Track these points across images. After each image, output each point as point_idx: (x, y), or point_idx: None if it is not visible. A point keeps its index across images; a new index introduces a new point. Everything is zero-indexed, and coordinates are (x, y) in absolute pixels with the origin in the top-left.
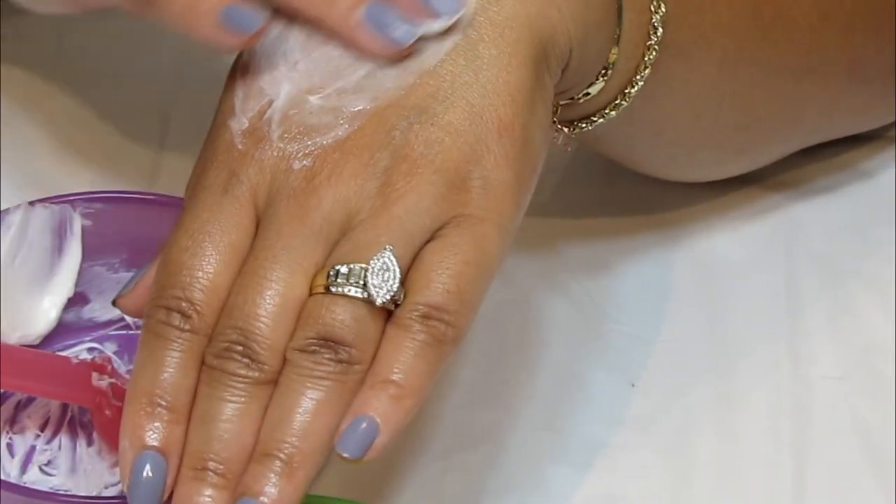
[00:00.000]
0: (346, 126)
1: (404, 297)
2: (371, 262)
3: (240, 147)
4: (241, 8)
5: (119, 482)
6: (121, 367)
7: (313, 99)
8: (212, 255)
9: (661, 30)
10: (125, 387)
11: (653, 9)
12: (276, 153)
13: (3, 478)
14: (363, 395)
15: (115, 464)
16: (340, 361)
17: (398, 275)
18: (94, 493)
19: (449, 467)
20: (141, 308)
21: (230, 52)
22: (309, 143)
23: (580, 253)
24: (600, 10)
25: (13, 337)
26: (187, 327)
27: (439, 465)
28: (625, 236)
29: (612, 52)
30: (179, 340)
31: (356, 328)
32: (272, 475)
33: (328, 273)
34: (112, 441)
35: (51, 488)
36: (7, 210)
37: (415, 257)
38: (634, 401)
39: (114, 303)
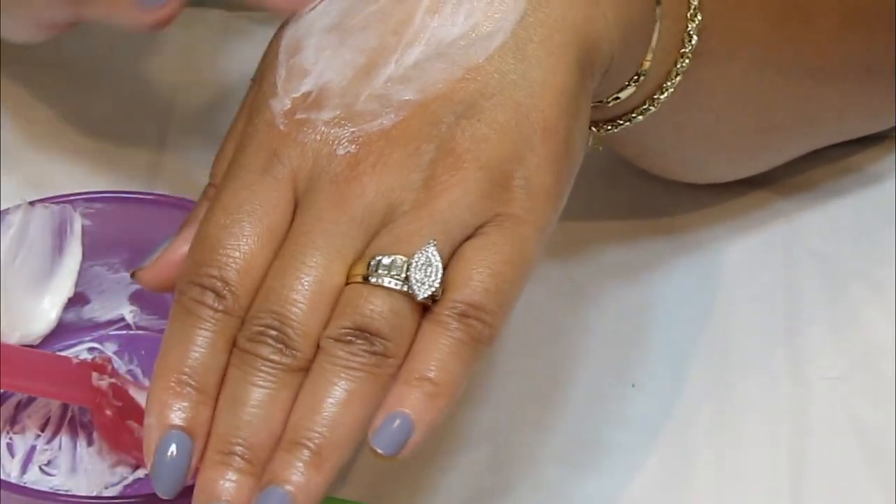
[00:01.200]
0: (393, 116)
1: (442, 293)
2: (415, 255)
3: (281, 128)
4: None
5: (119, 482)
6: (121, 367)
7: (360, 85)
8: (249, 235)
9: (695, 38)
10: (125, 387)
11: (689, 17)
12: (319, 137)
13: (3, 478)
14: (398, 390)
15: (116, 464)
16: (375, 353)
17: (440, 271)
18: (94, 493)
19: (448, 467)
20: (161, 281)
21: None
22: (354, 129)
23: (579, 253)
24: (640, 16)
25: (13, 337)
26: (220, 307)
27: (439, 465)
28: (624, 237)
29: (647, 58)
30: (212, 320)
31: (394, 321)
32: (300, 464)
33: (368, 263)
34: (112, 441)
35: (51, 488)
36: (7, 210)
37: (454, 253)
38: (634, 401)
39: (132, 274)
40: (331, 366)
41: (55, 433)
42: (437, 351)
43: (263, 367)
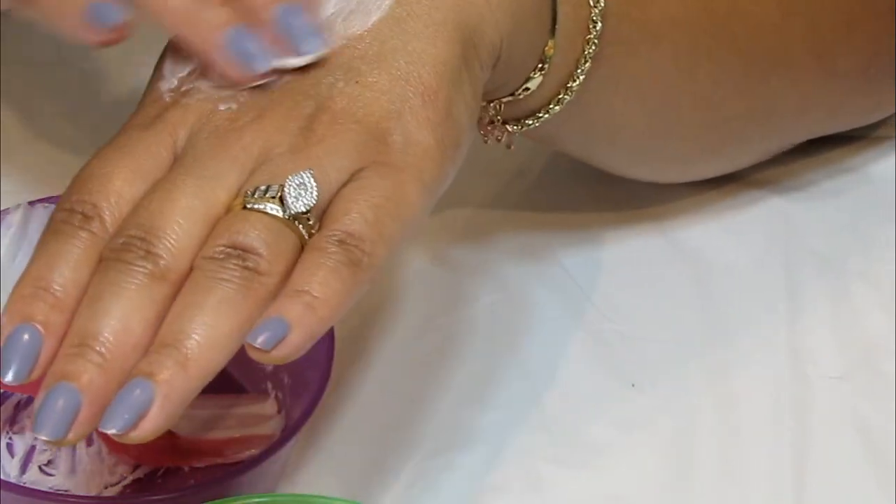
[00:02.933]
0: (273, 79)
1: (320, 227)
2: (290, 178)
3: (167, 99)
4: (105, 4)
5: (118, 482)
6: None
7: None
8: (122, 170)
9: (599, 23)
10: None
11: (591, 3)
12: (202, 97)
13: (2, 478)
14: (277, 302)
15: (115, 464)
16: (247, 268)
17: (315, 191)
18: (93, 493)
19: (447, 467)
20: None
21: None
22: (234, 92)
23: (578, 254)
24: (532, 2)
25: None
26: (87, 227)
27: (437, 465)
28: (625, 238)
29: (549, 45)
30: (77, 238)
31: (268, 238)
32: (167, 362)
33: (245, 192)
34: (111, 442)
35: (50, 488)
36: (7, 210)
37: (332, 198)
38: (634, 401)
39: None
40: (203, 278)
41: None
42: (317, 269)
43: (125, 270)
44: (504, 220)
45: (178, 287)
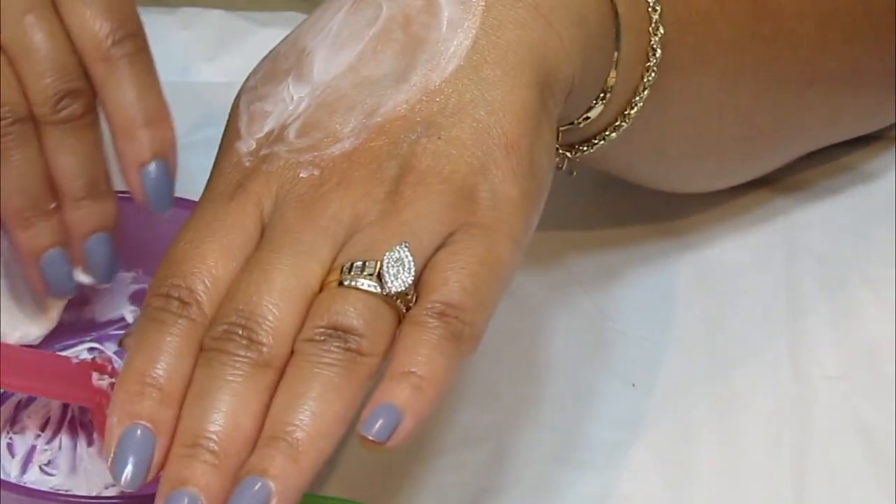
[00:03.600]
0: (353, 139)
1: (417, 298)
2: (386, 255)
3: (247, 164)
4: (56, 265)
5: None
6: (121, 367)
7: (319, 115)
8: (215, 249)
9: (659, 51)
10: None
11: (651, 31)
12: (282, 164)
13: (3, 478)
14: (384, 385)
15: None
16: (350, 350)
17: (413, 267)
18: (94, 493)
19: (449, 466)
20: None
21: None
22: (315, 154)
23: (580, 255)
24: (599, 34)
25: (13, 336)
26: (185, 314)
27: (439, 464)
28: (625, 239)
29: (611, 75)
30: (177, 326)
31: (368, 318)
32: (278, 456)
33: (341, 268)
34: None
35: (51, 488)
36: None
37: (426, 264)
38: (635, 401)
39: (120, 343)
40: (306, 363)
41: (55, 433)
42: (420, 346)
43: (229, 362)
44: None
45: (282, 370)
